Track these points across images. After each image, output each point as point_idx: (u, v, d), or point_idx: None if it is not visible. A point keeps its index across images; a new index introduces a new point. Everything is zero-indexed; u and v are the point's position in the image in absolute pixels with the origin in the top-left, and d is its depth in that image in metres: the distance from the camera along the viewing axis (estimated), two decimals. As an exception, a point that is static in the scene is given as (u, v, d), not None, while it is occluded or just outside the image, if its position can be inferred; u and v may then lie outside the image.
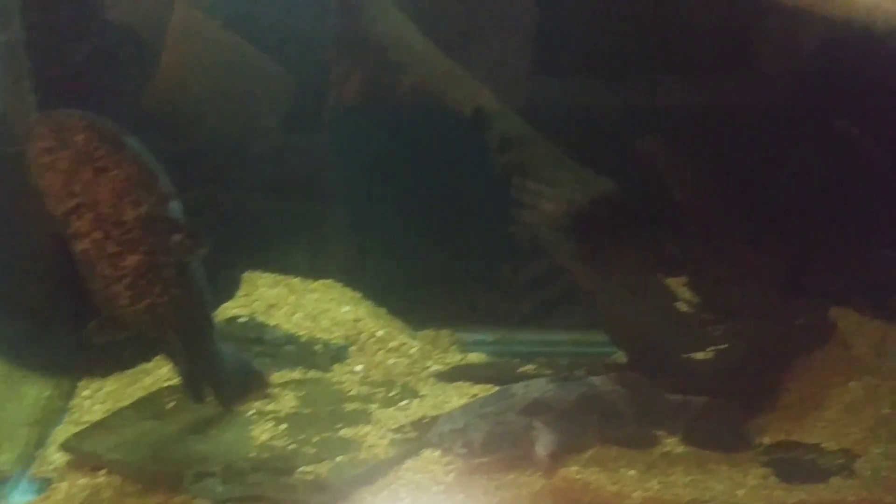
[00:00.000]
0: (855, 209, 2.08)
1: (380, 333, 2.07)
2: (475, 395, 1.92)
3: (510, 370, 1.99)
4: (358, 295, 2.17)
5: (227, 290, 2.14)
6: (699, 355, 1.90)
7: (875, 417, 1.85)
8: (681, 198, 1.83)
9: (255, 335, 2.04)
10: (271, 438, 1.77)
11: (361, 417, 1.85)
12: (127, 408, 1.91)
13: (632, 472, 1.69)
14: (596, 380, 1.77)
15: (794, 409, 1.87)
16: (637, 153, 1.83)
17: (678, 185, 1.82)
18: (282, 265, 2.17)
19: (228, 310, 2.10)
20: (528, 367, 2.00)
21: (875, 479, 1.70)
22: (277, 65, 2.19)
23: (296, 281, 2.18)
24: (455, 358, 2.07)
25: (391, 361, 2.03)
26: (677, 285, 2.02)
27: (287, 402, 1.89)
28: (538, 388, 1.73)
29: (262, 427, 1.80)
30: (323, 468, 1.70)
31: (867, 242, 2.09)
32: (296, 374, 1.99)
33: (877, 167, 2.07)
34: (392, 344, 2.06)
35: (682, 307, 1.95)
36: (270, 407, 1.87)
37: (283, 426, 1.81)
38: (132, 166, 1.64)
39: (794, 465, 1.75)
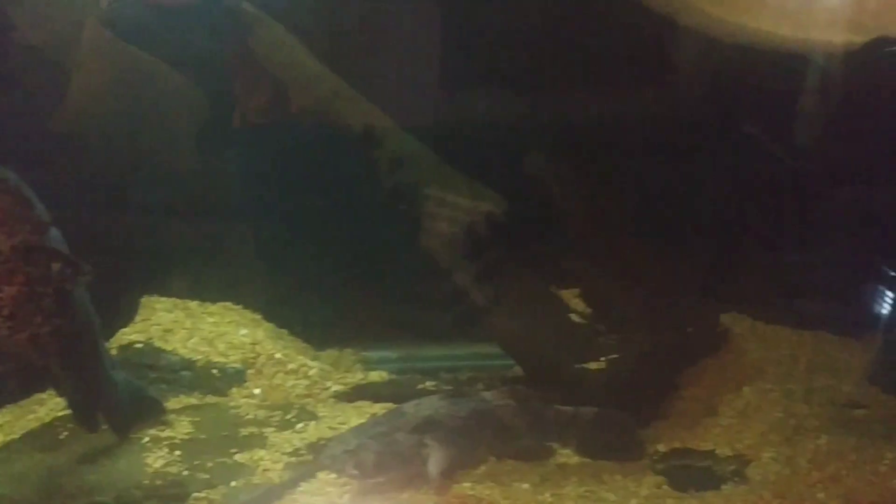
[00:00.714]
0: (749, 217, 2.14)
1: (278, 356, 2.05)
2: (375, 414, 1.90)
3: (410, 387, 1.99)
4: (257, 317, 2.15)
5: (125, 315, 2.12)
6: (593, 365, 1.93)
7: (767, 422, 1.88)
8: (569, 212, 1.86)
9: (150, 361, 2.00)
10: (165, 465, 1.74)
11: (257, 441, 1.82)
12: (17, 440, 1.85)
13: (525, 486, 1.70)
14: (488, 395, 1.78)
15: (689, 416, 1.89)
16: (525, 169, 1.86)
17: (566, 199, 1.85)
18: (179, 288, 2.15)
19: (124, 336, 2.07)
20: (429, 384, 2.02)
21: (765, 484, 1.72)
22: (190, 83, 2.19)
23: (194, 304, 2.16)
24: (356, 377, 2.06)
25: (290, 384, 2.01)
26: (571, 297, 2.06)
27: (182, 427, 1.85)
28: (430, 405, 1.73)
29: (157, 454, 1.76)
30: (216, 494, 1.67)
31: (761, 249, 2.15)
32: (192, 400, 1.96)
33: (770, 176, 2.13)
34: (291, 366, 2.04)
35: (576, 318, 1.99)
36: (166, 433, 1.83)
37: (178, 452, 1.77)
38: (4, 196, 1.61)
39: (687, 473, 1.77)
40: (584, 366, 1.92)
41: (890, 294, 2.07)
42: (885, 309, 2.08)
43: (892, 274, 2.07)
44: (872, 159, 2.08)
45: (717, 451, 1.81)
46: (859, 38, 1.87)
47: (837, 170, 2.12)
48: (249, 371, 2.03)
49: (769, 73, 2.00)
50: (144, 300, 2.15)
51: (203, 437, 1.85)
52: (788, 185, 2.10)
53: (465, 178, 1.90)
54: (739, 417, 1.88)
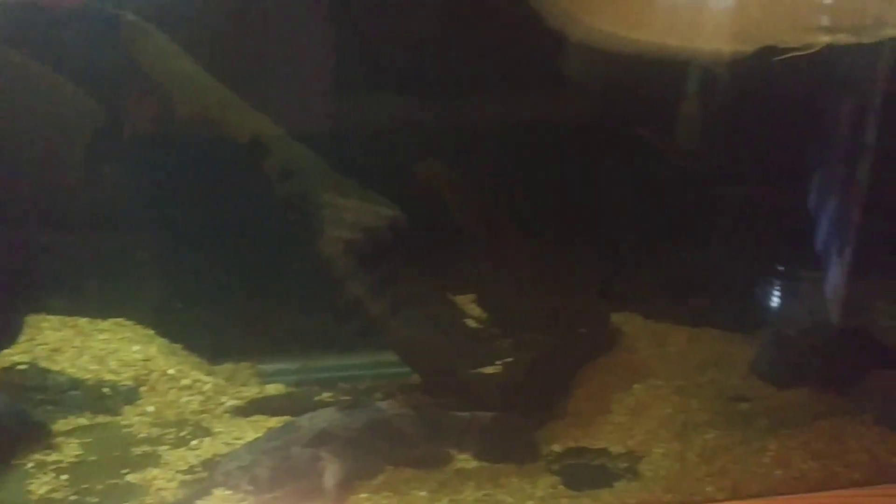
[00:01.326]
0: (639, 218, 2.20)
1: (172, 371, 1.99)
2: (271, 428, 1.86)
3: (308, 399, 1.96)
4: (151, 332, 2.09)
5: (8, 335, 2.04)
6: (490, 370, 1.96)
7: (658, 419, 1.93)
8: (462, 217, 1.88)
9: (36, 383, 1.93)
10: (51, 491, 1.66)
11: (150, 460, 1.76)
12: None
13: (423, 493, 1.71)
14: (384, 404, 1.78)
15: (582, 415, 1.93)
16: (417, 177, 1.87)
17: (459, 205, 1.87)
18: (68, 306, 2.09)
19: (7, 357, 1.98)
20: (327, 395, 2.00)
21: (656, 480, 1.78)
22: (80, 93, 2.12)
23: (83, 322, 2.08)
24: (252, 391, 2.01)
25: (184, 400, 1.95)
26: (466, 302, 2.08)
27: (71, 450, 1.78)
28: (324, 418, 1.72)
29: (42, 480, 1.69)
30: (107, 518, 1.67)
31: (651, 249, 2.21)
32: (82, 421, 1.88)
33: (659, 178, 2.19)
34: (185, 381, 1.98)
35: (472, 324, 2.01)
36: (52, 457, 1.75)
37: (65, 476, 1.70)
38: None
39: (581, 472, 1.81)
40: (481, 371, 1.95)
41: (773, 290, 2.17)
42: (769, 304, 2.18)
43: (775, 270, 2.16)
44: (759, 161, 2.17)
45: (610, 449, 1.85)
46: (748, 48, 1.94)
47: (724, 171, 2.20)
48: (142, 388, 1.96)
49: (658, 81, 2.06)
50: (30, 319, 2.06)
51: (93, 458, 1.78)
52: (677, 186, 2.18)
53: (357, 186, 1.90)
54: (631, 415, 1.92)
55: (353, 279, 1.89)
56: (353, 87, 1.95)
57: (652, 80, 2.04)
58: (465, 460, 1.79)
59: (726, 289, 2.16)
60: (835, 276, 2.14)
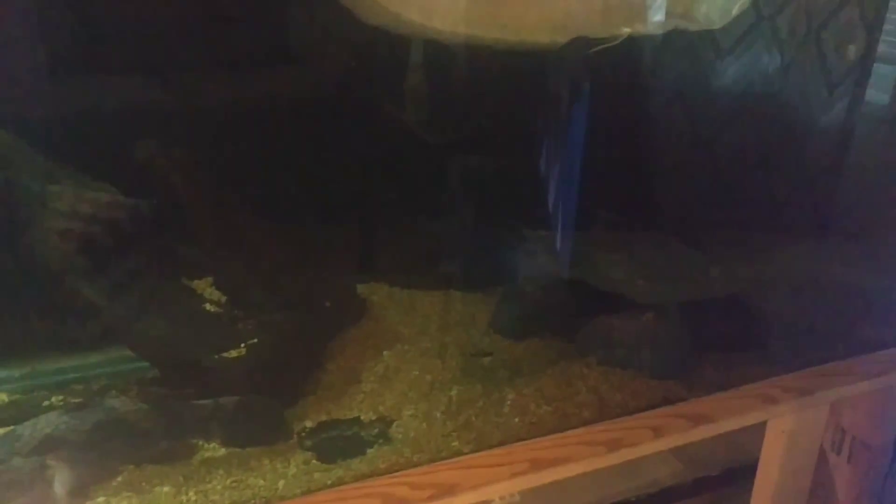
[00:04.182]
0: (382, 191, 2.23)
1: None
2: (-3, 440, 1.74)
3: (36, 406, 1.81)
4: None
5: None
6: (233, 354, 1.91)
7: (406, 382, 1.97)
8: (190, 199, 1.81)
9: None
10: None
11: None
12: None
13: (167, 489, 1.64)
14: (116, 402, 1.68)
15: (333, 388, 1.93)
16: (137, 158, 1.77)
17: (185, 186, 1.79)
18: None
19: None
20: (57, 399, 1.87)
21: (405, 441, 1.82)
22: None
23: None
24: (-32, 403, 1.88)
25: None
26: (205, 286, 2.02)
27: None
28: (48, 423, 1.60)
29: None
30: None
31: (393, 219, 2.25)
32: None
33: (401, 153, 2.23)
34: None
35: (211, 308, 1.95)
36: None
37: None
38: None
39: (335, 444, 1.81)
40: (224, 355, 1.90)
41: (507, 250, 2.28)
42: (505, 264, 2.29)
43: (507, 232, 2.28)
44: (494, 133, 2.26)
45: (362, 418, 1.86)
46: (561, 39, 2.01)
47: (463, 142, 2.28)
48: None
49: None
50: None
51: None
52: (415, 156, 2.22)
53: (73, 172, 1.77)
54: (381, 381, 1.95)
55: (77, 274, 1.77)
56: (69, 68, 1.82)
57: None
58: (212, 449, 1.74)
59: (466, 253, 2.25)
60: (559, 235, 2.29)
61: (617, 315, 2.05)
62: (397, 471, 1.74)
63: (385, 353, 2.03)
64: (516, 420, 1.88)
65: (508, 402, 1.91)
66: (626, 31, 2.06)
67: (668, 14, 2.10)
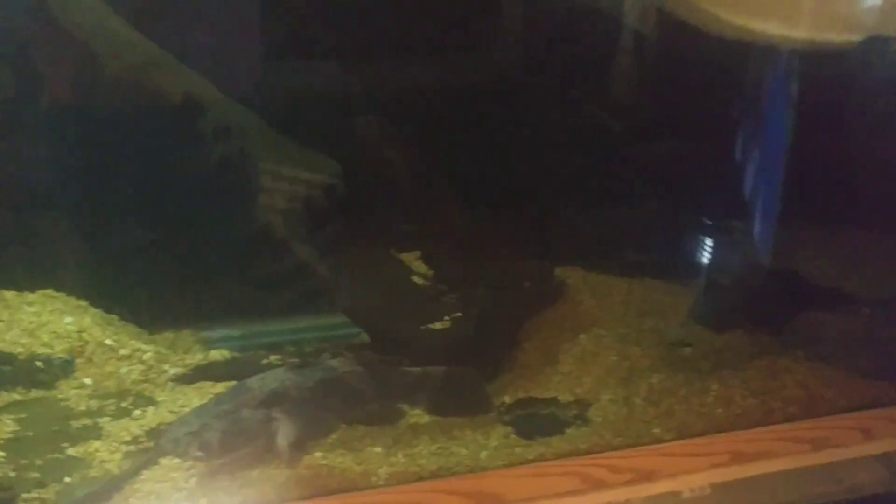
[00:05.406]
0: (577, 176, 2.23)
1: (109, 342, 1.91)
2: (218, 394, 1.84)
3: (254, 364, 1.92)
4: (83, 303, 2.00)
5: None
6: (437, 326, 1.96)
7: (604, 366, 1.97)
8: (404, 175, 1.87)
9: (-38, 360, 1.87)
10: (-13, 468, 1.64)
11: (91, 433, 1.71)
12: None
13: (378, 449, 1.70)
14: (334, 363, 1.75)
15: (531, 367, 1.95)
16: (357, 134, 1.84)
17: (400, 162, 1.85)
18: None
19: (-70, 336, 1.90)
20: (274, 358, 1.97)
21: (605, 425, 1.82)
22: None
23: (10, 295, 1.97)
24: (196, 358, 1.96)
25: (124, 370, 1.88)
26: (412, 259, 2.08)
27: (6, 427, 1.70)
28: (275, 378, 1.68)
29: (-24, 458, 1.66)
30: (49, 492, 1.56)
31: (590, 205, 2.25)
32: (16, 396, 1.80)
33: (595, 138, 2.22)
34: (123, 351, 1.91)
35: (418, 281, 2.01)
36: (-14, 435, 1.73)
37: (2, 454, 1.64)
38: None
39: (533, 421, 1.84)
40: (430, 326, 1.95)
41: (706, 240, 2.23)
42: (703, 254, 2.24)
43: (706, 223, 2.23)
44: (689, 119, 2.22)
45: (559, 398, 1.88)
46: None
47: (656, 129, 2.25)
48: (78, 360, 1.88)
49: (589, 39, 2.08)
50: (-50, 295, 1.97)
51: (30, 434, 1.71)
52: (612, 145, 2.21)
53: (298, 146, 1.87)
54: (578, 364, 1.95)
55: (298, 241, 1.86)
56: (293, 47, 1.91)
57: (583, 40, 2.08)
58: (417, 415, 1.80)
59: (663, 241, 2.22)
60: (762, 225, 2.22)
61: (829, 310, 1.98)
62: (596, 453, 1.76)
63: (581, 336, 2.02)
64: (719, 411, 1.84)
65: (712, 393, 1.87)
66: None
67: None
